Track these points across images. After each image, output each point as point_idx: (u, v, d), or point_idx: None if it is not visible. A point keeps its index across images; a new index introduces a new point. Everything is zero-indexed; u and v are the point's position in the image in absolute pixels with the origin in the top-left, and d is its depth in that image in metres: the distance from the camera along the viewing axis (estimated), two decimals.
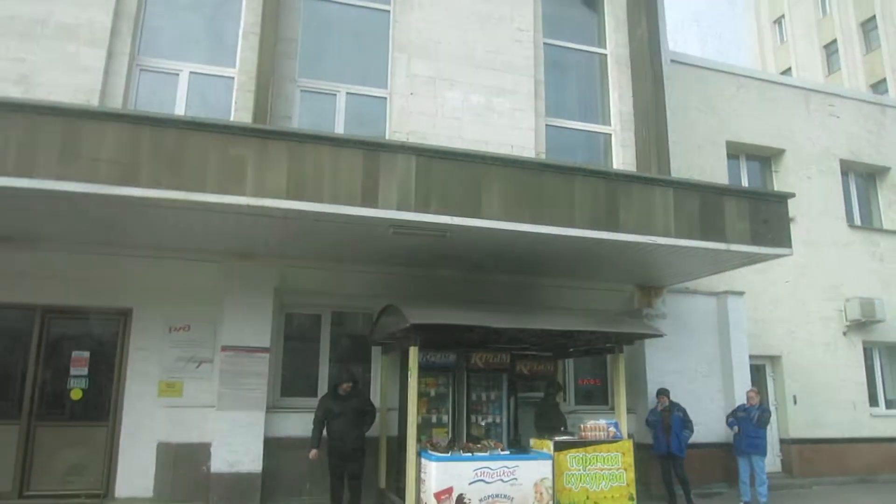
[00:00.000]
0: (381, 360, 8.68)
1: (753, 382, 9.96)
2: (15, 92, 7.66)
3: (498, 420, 8.12)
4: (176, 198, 5.97)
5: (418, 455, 6.85)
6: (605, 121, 10.44)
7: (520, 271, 9.17)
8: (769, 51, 30.39)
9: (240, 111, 8.66)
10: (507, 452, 6.92)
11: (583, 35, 10.85)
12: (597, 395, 9.92)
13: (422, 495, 6.70)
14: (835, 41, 27.43)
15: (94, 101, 8.04)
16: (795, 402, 10.66)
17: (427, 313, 6.82)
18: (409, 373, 7.05)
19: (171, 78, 8.78)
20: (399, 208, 6.49)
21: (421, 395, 7.90)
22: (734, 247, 7.55)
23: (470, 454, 6.68)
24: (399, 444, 8.20)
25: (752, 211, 7.69)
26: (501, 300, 9.02)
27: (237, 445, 7.90)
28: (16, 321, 8.17)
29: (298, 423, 8.31)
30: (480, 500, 6.52)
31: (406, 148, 6.72)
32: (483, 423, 8.11)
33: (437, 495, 6.42)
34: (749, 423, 8.82)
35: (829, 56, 27.79)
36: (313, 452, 7.46)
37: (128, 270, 8.16)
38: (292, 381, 8.79)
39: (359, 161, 6.48)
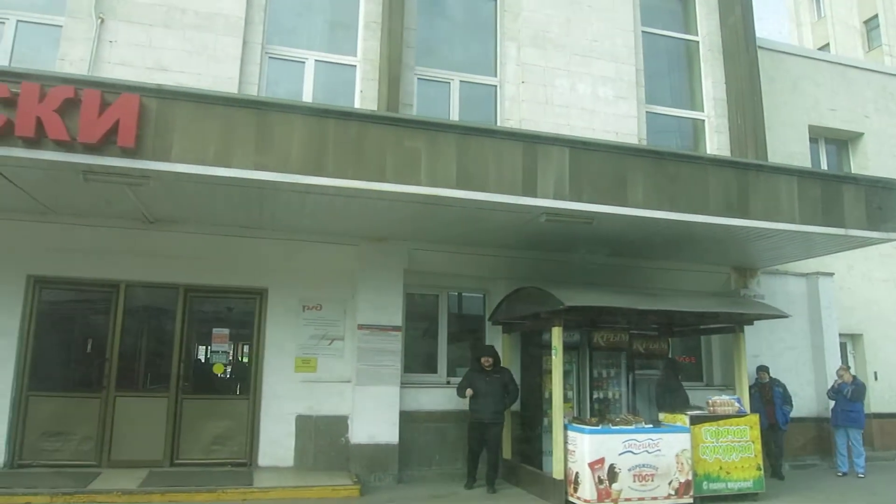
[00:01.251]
0: (502, 338, 9.10)
1: None
2: (158, 80, 7.92)
3: (617, 395, 8.59)
4: (359, 187, 6.34)
5: (565, 428, 7.32)
6: (698, 107, 10.77)
7: (622, 254, 9.55)
8: (806, 26, 30.39)
9: (366, 100, 8.99)
10: (649, 426, 7.39)
11: (675, 22, 11.14)
12: (692, 372, 10.39)
13: (570, 465, 7.18)
14: (876, 17, 27.36)
15: (233, 90, 8.38)
16: (876, 379, 11.18)
17: (576, 296, 7.24)
18: (553, 351, 7.51)
19: (297, 66, 9.10)
20: (555, 197, 6.87)
21: (547, 371, 8.39)
22: (852, 232, 7.94)
23: (619, 427, 7.16)
24: (524, 418, 8.71)
25: (867, 197, 8.07)
26: (606, 281, 9.40)
27: (375, 418, 8.37)
28: (162, 300, 8.58)
29: (426, 398, 8.81)
30: (629, 470, 7.03)
31: (560, 140, 7.07)
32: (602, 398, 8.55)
33: (591, 465, 6.91)
34: (843, 397, 9.33)
35: (869, 32, 27.74)
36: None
37: (264, 252, 8.56)
38: (413, 358, 9.23)
39: (518, 153, 6.84)
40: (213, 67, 8.44)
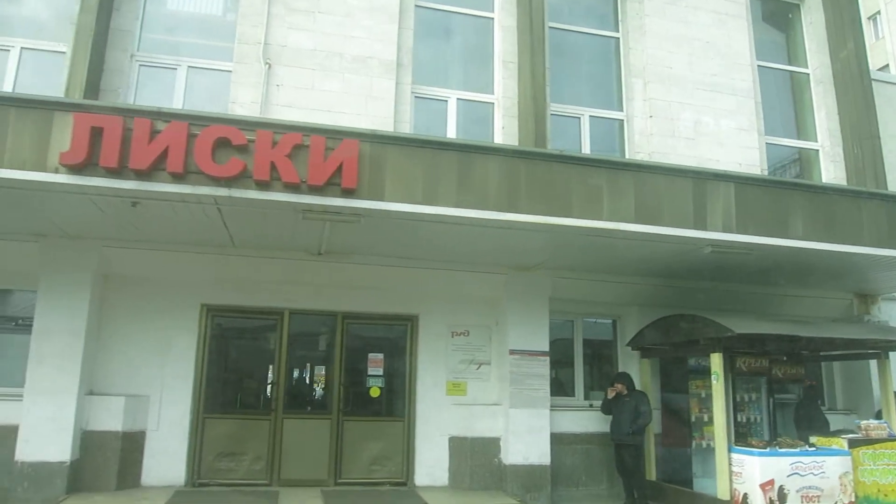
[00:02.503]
0: (640, 363, 9.42)
1: None
2: (323, 120, 8.45)
3: (758, 419, 8.85)
4: (550, 223, 6.77)
5: (728, 451, 7.61)
6: (811, 137, 11.09)
7: (747, 281, 9.84)
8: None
9: (507, 136, 9.45)
10: (813, 449, 7.66)
11: (781, 55, 11.51)
12: None
13: (735, 486, 7.46)
14: (886, 66, 27.48)
15: (389, 128, 8.89)
16: None
17: (739, 324, 7.57)
18: (714, 377, 7.83)
19: (441, 104, 9.62)
20: (724, 230, 7.24)
21: (692, 395, 8.72)
22: None
23: (786, 450, 7.44)
24: (665, 440, 9.00)
25: None
26: (733, 307, 9.68)
27: (528, 440, 8.71)
28: (322, 326, 9.07)
29: (568, 421, 9.15)
30: (797, 491, 7.30)
31: (726, 176, 7.46)
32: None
33: (762, 486, 7.20)
34: None
35: None
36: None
37: (415, 281, 9.00)
38: (552, 382, 9.55)
39: (689, 188, 7.24)
40: (370, 107, 8.98)
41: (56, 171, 5.84)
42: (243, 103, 8.71)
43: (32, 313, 8.21)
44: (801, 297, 10.32)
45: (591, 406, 9.40)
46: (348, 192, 6.30)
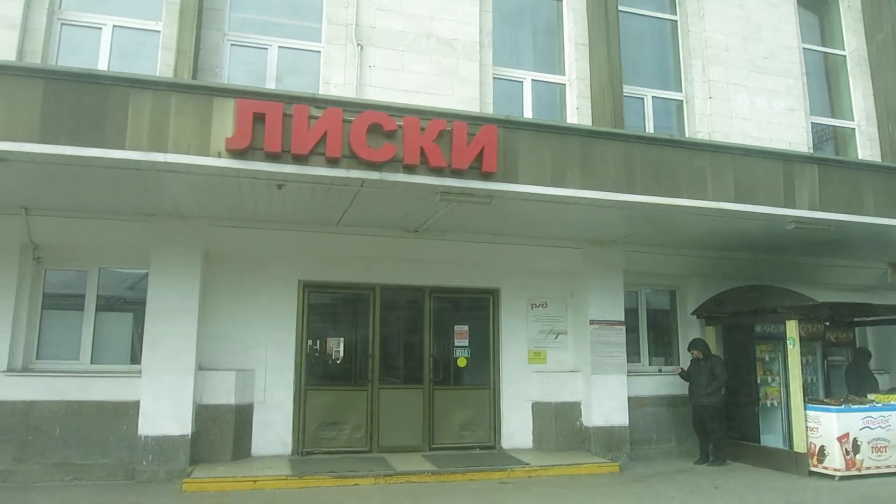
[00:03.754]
0: (704, 330, 10.09)
1: None
2: (414, 101, 8.69)
3: (813, 380, 9.64)
4: (662, 202, 7.26)
5: (804, 409, 8.36)
6: (847, 116, 11.79)
7: (793, 253, 10.55)
8: None
9: (582, 116, 9.85)
10: (879, 405, 8.47)
11: (816, 37, 12.11)
12: None
13: (811, 440, 8.23)
14: None
15: (475, 109, 9.18)
16: None
17: (818, 294, 8.26)
18: (790, 342, 8.56)
19: (517, 85, 9.94)
20: (809, 208, 7.86)
21: (758, 359, 9.45)
22: None
23: (858, 406, 8.23)
24: (730, 401, 9.69)
25: None
26: (779, 277, 10.37)
27: (608, 404, 9.31)
28: (411, 301, 9.43)
29: (638, 385, 9.76)
30: (868, 443, 8.11)
31: (810, 158, 8.07)
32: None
33: (839, 439, 7.97)
34: None
35: None
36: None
37: (496, 256, 9.43)
38: None
39: (780, 169, 7.81)
40: (457, 89, 9.25)
41: (219, 155, 6.02)
42: (337, 84, 8.88)
43: (134, 292, 8.44)
44: (839, 266, 11.10)
45: (659, 371, 10.07)
46: (487, 175, 6.64)
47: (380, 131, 6.34)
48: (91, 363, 8.22)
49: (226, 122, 6.06)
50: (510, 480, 7.91)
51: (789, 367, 8.56)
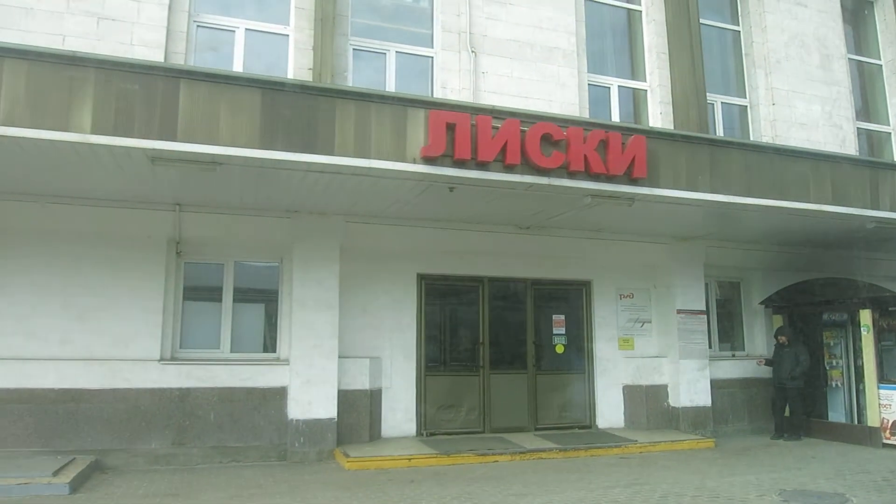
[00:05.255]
0: (773, 318, 11.07)
1: None
2: (522, 106, 9.27)
3: None
4: (773, 205, 8.11)
5: (878, 388, 9.40)
6: (884, 121, 12.87)
7: (846, 247, 11.56)
8: None
9: (664, 121, 10.62)
10: None
11: (853, 47, 13.14)
12: None
13: (884, 416, 9.28)
14: None
15: (574, 113, 9.86)
16: None
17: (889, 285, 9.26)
18: (864, 329, 9.56)
19: (605, 90, 10.66)
20: (891, 209, 8.82)
21: (824, 344, 10.47)
22: None
23: None
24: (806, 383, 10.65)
25: None
26: (833, 270, 11.42)
27: (694, 386, 10.20)
28: (514, 292, 10.11)
29: (716, 369, 10.65)
30: None
31: (892, 166, 9.02)
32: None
33: None
34: None
35: None
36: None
37: (589, 250, 10.18)
38: None
39: (867, 175, 8.75)
40: (558, 94, 9.91)
41: (413, 161, 6.58)
42: (453, 88, 9.43)
43: (264, 284, 8.93)
44: (883, 259, 12.18)
45: (732, 356, 11.02)
46: (635, 181, 7.36)
47: (549, 140, 6.98)
48: (230, 352, 8.66)
49: (418, 130, 6.62)
50: (627, 455, 8.71)
51: (863, 351, 9.56)
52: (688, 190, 7.68)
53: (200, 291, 8.81)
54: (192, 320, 8.63)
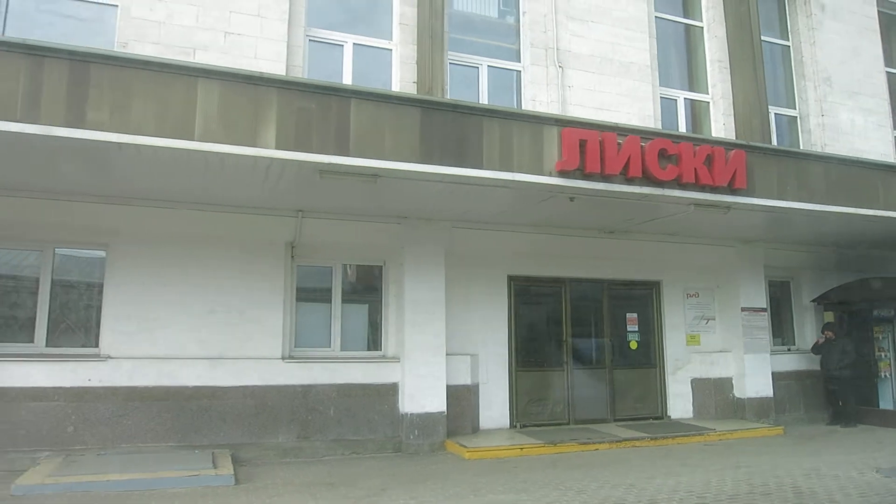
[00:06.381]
0: (824, 314, 11.87)
1: None
2: (604, 117, 9.86)
3: None
4: (849, 212, 8.85)
5: None
6: None
7: (882, 247, 12.42)
8: None
9: (727, 131, 11.33)
10: None
11: (887, 61, 13.99)
12: None
13: None
14: None
15: (650, 125, 10.51)
16: None
17: None
18: None
19: (673, 103, 11.33)
20: None
21: (875, 338, 11.29)
22: None
23: None
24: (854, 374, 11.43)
25: None
26: (877, 269, 12.24)
27: (757, 378, 10.95)
28: (592, 292, 10.75)
29: (774, 362, 11.41)
30: None
31: None
32: None
33: None
34: None
35: None
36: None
37: (658, 252, 10.86)
38: None
39: None
40: (636, 107, 10.56)
41: (550, 174, 7.18)
42: (542, 101, 10.02)
43: (370, 285, 9.45)
44: None
45: (788, 350, 11.80)
46: (735, 191, 8.04)
47: (664, 155, 7.61)
48: (340, 350, 9.17)
49: (552, 146, 7.21)
50: (710, 443, 9.40)
51: None
52: (779, 199, 8.38)
53: (311, 292, 9.29)
54: (304, 320, 9.11)
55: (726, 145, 8.07)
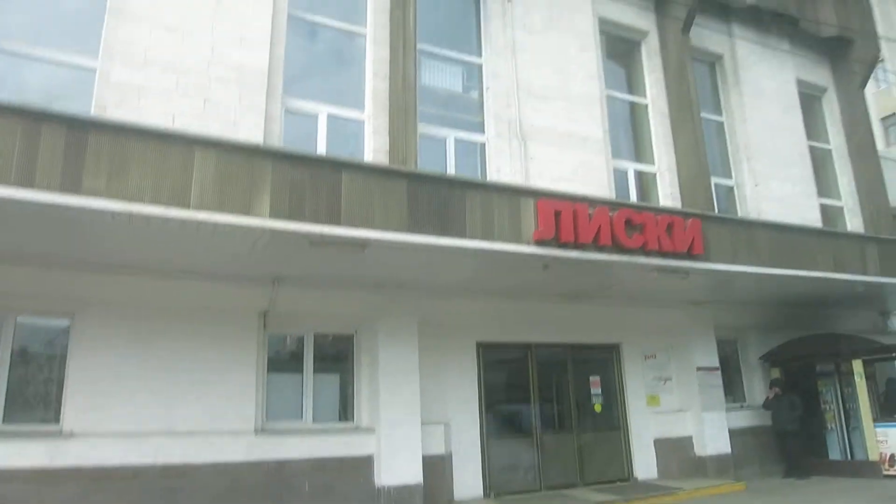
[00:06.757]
0: (770, 371, 12.50)
1: None
2: (560, 188, 10.31)
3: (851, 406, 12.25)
4: (793, 275, 9.57)
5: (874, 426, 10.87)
6: (836, 197, 14.99)
7: (816, 305, 13.32)
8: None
9: (673, 200, 12.08)
10: None
11: (808, 134, 15.32)
12: None
13: (882, 450, 10.72)
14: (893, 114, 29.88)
15: (607, 195, 11.08)
16: None
17: (885, 339, 10.90)
18: (857, 376, 11.09)
19: (623, 174, 12.02)
20: (876, 274, 10.51)
21: (819, 392, 11.96)
22: None
23: None
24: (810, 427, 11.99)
25: None
26: (812, 326, 13.04)
27: (716, 436, 11.34)
28: (555, 356, 11.00)
29: (733, 419, 11.86)
30: None
31: (873, 239, 10.78)
32: None
33: None
34: None
35: (886, 129, 30.28)
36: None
37: (617, 316, 11.31)
38: None
39: (859, 246, 10.42)
40: (592, 177, 11.08)
41: (528, 243, 7.50)
42: (506, 172, 10.39)
43: (341, 354, 9.40)
44: (841, 315, 14.01)
45: (741, 407, 12.31)
46: (694, 257, 8.58)
47: (631, 224, 8.10)
48: (311, 422, 8.99)
49: (528, 216, 7.56)
50: (680, 503, 9.62)
51: (858, 395, 11.10)
52: (732, 264, 8.98)
53: (282, 363, 9.15)
54: (275, 391, 8.91)
55: (683, 214, 8.65)
